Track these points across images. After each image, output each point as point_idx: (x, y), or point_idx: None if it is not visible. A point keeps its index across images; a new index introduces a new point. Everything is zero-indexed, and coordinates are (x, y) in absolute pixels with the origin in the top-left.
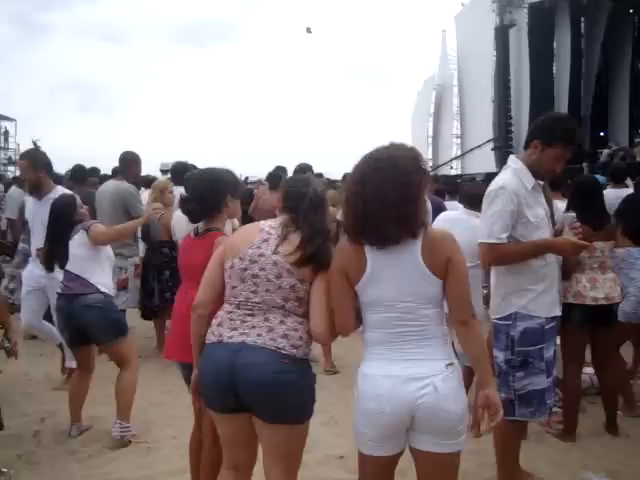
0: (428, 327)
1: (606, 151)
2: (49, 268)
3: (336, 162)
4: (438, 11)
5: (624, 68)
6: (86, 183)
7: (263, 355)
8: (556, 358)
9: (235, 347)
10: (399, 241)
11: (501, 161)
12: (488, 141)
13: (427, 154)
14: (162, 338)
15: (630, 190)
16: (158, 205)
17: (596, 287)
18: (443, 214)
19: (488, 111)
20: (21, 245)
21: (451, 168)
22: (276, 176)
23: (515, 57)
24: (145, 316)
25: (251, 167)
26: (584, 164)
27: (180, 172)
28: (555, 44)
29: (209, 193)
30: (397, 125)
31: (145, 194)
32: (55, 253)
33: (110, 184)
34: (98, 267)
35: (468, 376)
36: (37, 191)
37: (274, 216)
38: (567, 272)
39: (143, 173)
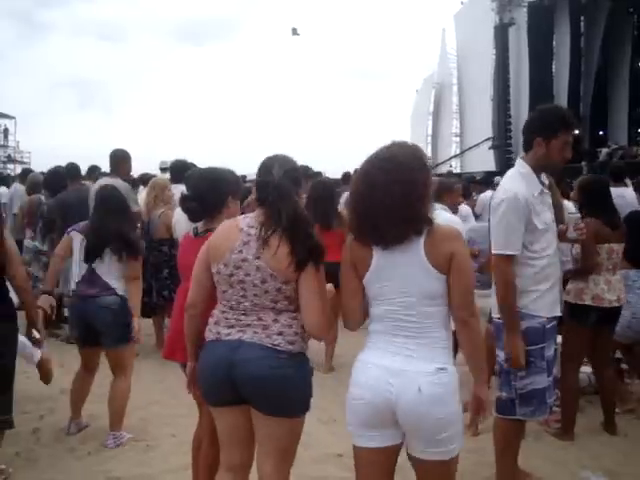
0: (428, 326)
1: (605, 150)
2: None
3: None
4: (437, 10)
5: (623, 67)
6: (80, 181)
7: (260, 351)
8: (556, 357)
9: (233, 344)
10: (404, 240)
11: (500, 160)
12: (485, 140)
13: (426, 153)
14: (161, 336)
15: (630, 189)
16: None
17: (611, 289)
18: (347, 193)
19: (487, 110)
20: (30, 242)
21: (450, 167)
22: None
23: (514, 56)
24: (144, 313)
25: (249, 166)
26: (583, 163)
27: (179, 170)
28: (554, 43)
29: (210, 193)
30: (396, 124)
31: (143, 192)
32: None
33: (103, 182)
34: (119, 274)
35: None
36: None
37: None
38: (584, 272)
39: (142, 171)
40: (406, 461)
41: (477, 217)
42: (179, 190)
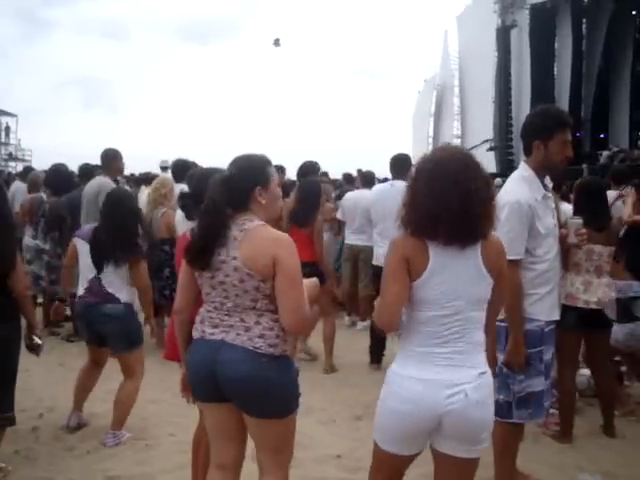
0: (471, 331)
1: (606, 153)
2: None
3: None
4: (440, 11)
5: (625, 70)
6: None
7: (241, 354)
8: (553, 360)
9: (216, 344)
10: (475, 239)
11: (501, 162)
12: (484, 142)
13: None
14: (161, 335)
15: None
16: None
17: (589, 290)
18: (376, 186)
19: (489, 112)
20: (31, 241)
21: None
22: None
23: (516, 58)
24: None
25: None
26: (584, 166)
27: (181, 169)
28: (556, 45)
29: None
30: (398, 124)
31: (145, 192)
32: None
33: (95, 181)
34: (124, 281)
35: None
36: None
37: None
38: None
39: (144, 170)
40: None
41: None
42: (180, 189)
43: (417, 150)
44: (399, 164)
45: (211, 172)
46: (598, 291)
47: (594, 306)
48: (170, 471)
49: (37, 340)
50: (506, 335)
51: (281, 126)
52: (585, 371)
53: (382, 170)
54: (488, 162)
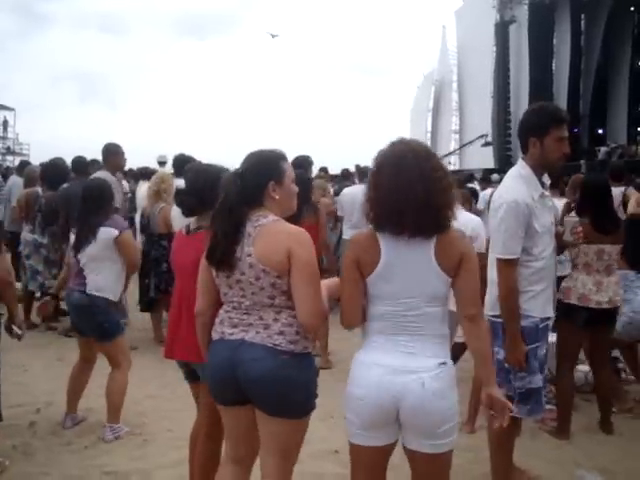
0: (428, 324)
1: (604, 149)
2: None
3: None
4: (438, 6)
5: (624, 66)
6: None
7: (262, 352)
8: (548, 356)
9: (235, 344)
10: (430, 233)
11: (499, 157)
12: (479, 137)
13: None
14: (159, 331)
15: (630, 188)
16: None
17: (601, 290)
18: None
19: (487, 107)
20: (30, 235)
21: (449, 163)
22: None
23: (515, 53)
24: (143, 308)
25: None
26: (582, 161)
27: (181, 164)
28: (555, 41)
29: (207, 189)
30: (396, 120)
31: (144, 187)
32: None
33: (96, 176)
34: (104, 268)
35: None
36: None
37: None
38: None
39: (142, 165)
40: (400, 459)
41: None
42: (179, 184)
43: None
44: None
45: (205, 168)
46: (609, 290)
47: (606, 306)
48: (167, 467)
49: (17, 330)
50: (503, 330)
51: (279, 121)
52: (582, 367)
53: None
54: (484, 157)
